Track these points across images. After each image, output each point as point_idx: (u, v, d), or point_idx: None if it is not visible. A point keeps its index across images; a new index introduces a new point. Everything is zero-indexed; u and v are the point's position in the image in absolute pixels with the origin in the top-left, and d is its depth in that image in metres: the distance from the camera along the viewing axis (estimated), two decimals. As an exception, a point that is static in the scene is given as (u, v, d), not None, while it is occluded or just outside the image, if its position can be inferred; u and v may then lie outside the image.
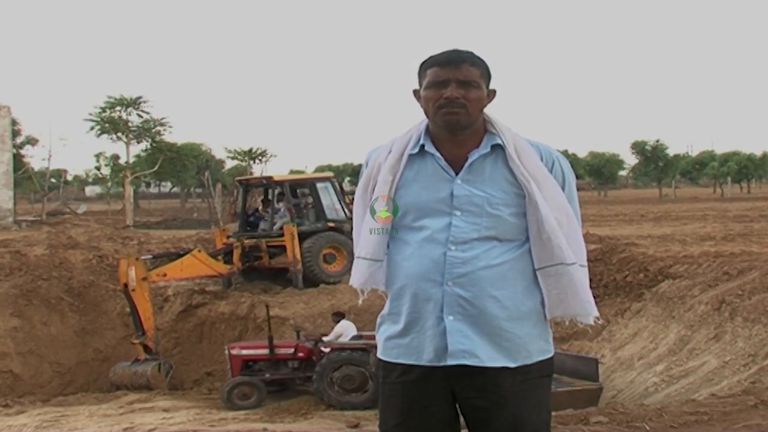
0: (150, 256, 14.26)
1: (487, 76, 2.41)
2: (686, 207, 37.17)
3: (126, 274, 12.72)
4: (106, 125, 34.95)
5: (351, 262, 2.64)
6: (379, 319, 2.53)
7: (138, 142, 36.76)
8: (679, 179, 68.67)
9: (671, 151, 60.56)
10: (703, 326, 10.20)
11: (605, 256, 13.89)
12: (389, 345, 2.46)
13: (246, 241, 15.55)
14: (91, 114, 35.02)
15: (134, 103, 35.14)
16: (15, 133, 35.09)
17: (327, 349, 11.34)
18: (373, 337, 11.08)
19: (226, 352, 11.98)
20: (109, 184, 46.56)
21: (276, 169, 70.22)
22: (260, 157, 59.59)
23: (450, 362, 2.34)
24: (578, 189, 2.59)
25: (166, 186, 68.85)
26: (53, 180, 52.25)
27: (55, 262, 15.72)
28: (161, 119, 36.27)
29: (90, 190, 75.61)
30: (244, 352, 11.89)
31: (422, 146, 2.42)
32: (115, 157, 44.54)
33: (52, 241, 17.14)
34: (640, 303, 12.06)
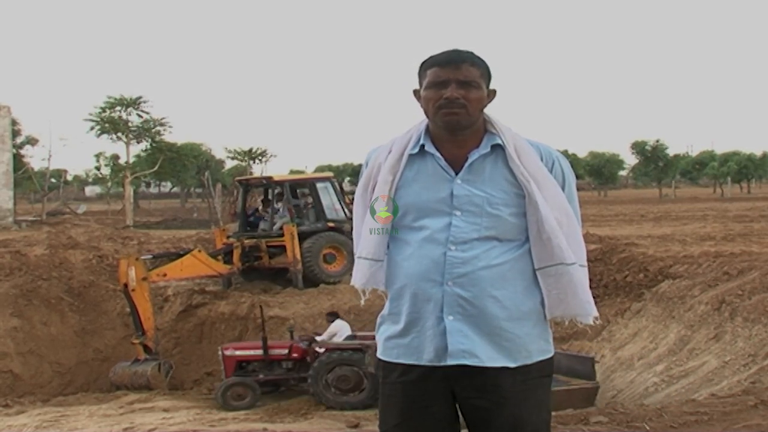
0: (150, 256, 14.26)
1: (487, 76, 2.41)
2: (686, 207, 37.17)
3: (126, 274, 12.72)
4: (106, 125, 34.95)
5: (351, 262, 2.65)
6: (379, 319, 2.53)
7: (138, 142, 36.79)
8: (679, 179, 68.68)
9: (671, 151, 60.62)
10: (703, 326, 10.20)
11: (605, 256, 13.89)
12: (389, 345, 2.46)
13: (246, 241, 15.55)
14: (91, 114, 35.08)
15: (134, 103, 35.15)
16: (15, 133, 35.09)
17: (321, 350, 11.34)
18: (368, 337, 11.17)
19: (220, 352, 11.98)
20: (109, 184, 46.56)
21: (276, 169, 70.32)
22: (260, 157, 59.63)
23: (450, 362, 2.35)
24: (578, 189, 2.59)
25: (166, 186, 68.85)
26: (53, 180, 52.26)
27: (55, 262, 15.73)
28: (161, 119, 36.32)
29: (90, 190, 75.61)
30: (238, 352, 11.90)
31: (422, 146, 2.42)
32: (115, 157, 44.53)
33: (52, 241, 17.14)
34: (640, 303, 12.06)
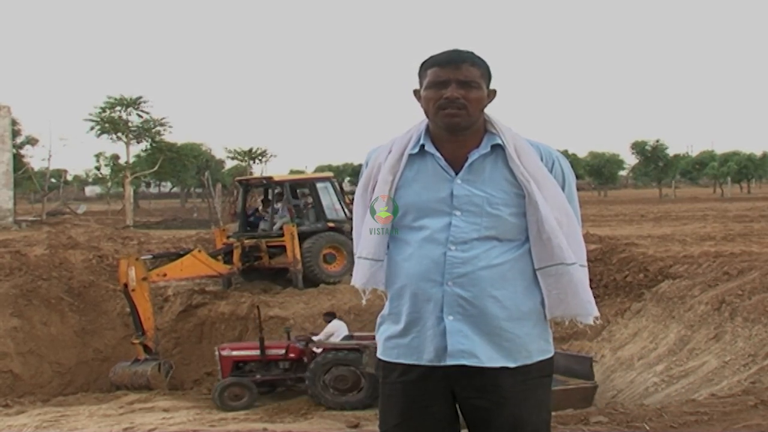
0: (150, 256, 14.27)
1: (487, 76, 2.41)
2: (686, 207, 37.16)
3: (126, 274, 12.72)
4: (106, 125, 34.94)
5: (351, 262, 2.65)
6: (379, 319, 2.53)
7: (138, 142, 36.78)
8: (679, 179, 68.66)
9: (671, 151, 60.59)
10: (703, 326, 10.20)
11: (605, 256, 13.89)
12: (389, 345, 2.46)
13: (246, 241, 15.55)
14: (91, 114, 35.07)
15: (134, 103, 35.14)
16: (15, 133, 35.08)
17: (318, 350, 11.35)
18: (365, 338, 11.19)
19: (216, 353, 11.98)
20: (109, 184, 46.54)
21: (276, 169, 70.29)
22: (260, 157, 59.61)
23: (449, 362, 2.35)
24: (578, 189, 2.59)
25: (166, 186, 68.83)
26: (53, 180, 52.24)
27: (55, 262, 15.73)
28: (161, 119, 36.31)
29: (90, 190, 75.59)
30: (235, 353, 11.90)
31: (422, 146, 2.42)
32: (115, 157, 44.50)
33: (52, 241, 17.14)
34: (640, 303, 12.06)
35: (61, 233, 18.92)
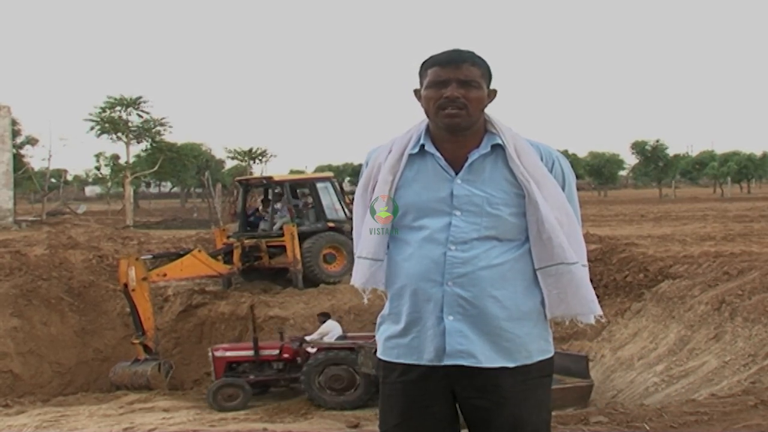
0: (150, 256, 14.27)
1: (487, 76, 2.41)
2: (686, 207, 37.16)
3: (126, 274, 12.73)
4: (106, 125, 34.94)
5: (351, 262, 2.65)
6: (379, 319, 2.53)
7: (138, 142, 36.78)
8: (679, 179, 68.64)
9: (671, 151, 60.55)
10: (703, 326, 10.20)
11: (605, 256, 13.89)
12: (389, 345, 2.46)
13: (246, 241, 15.55)
14: (91, 114, 35.07)
15: (134, 103, 35.14)
16: (15, 133, 35.07)
17: (312, 350, 11.37)
18: (359, 338, 11.22)
19: (210, 354, 11.99)
20: (109, 184, 46.53)
21: (276, 169, 70.25)
22: (260, 157, 59.61)
23: (447, 362, 2.35)
24: (578, 189, 2.59)
25: (166, 186, 68.82)
26: (53, 180, 52.22)
27: (55, 262, 15.73)
28: (161, 119, 36.31)
29: (90, 190, 75.56)
30: (229, 353, 11.92)
31: (422, 146, 2.42)
32: (115, 157, 44.50)
33: (52, 241, 17.14)
34: (640, 303, 12.06)
35: (61, 233, 18.93)
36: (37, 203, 46.91)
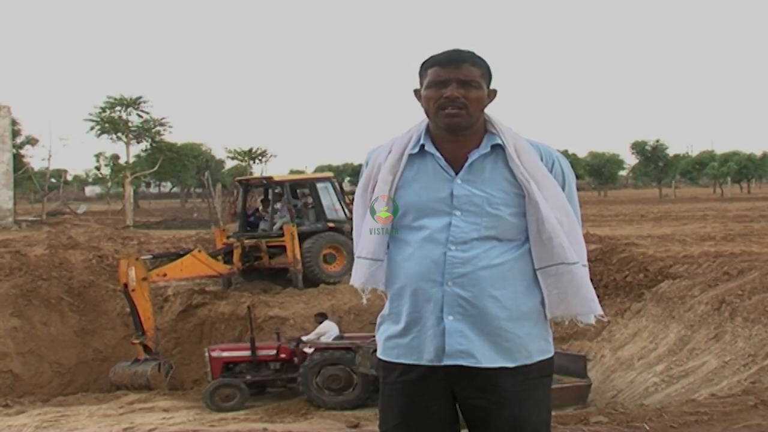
0: (150, 256, 14.27)
1: (487, 76, 2.41)
2: (686, 207, 37.16)
3: (126, 274, 12.73)
4: (106, 125, 34.95)
5: (351, 262, 2.65)
6: (379, 319, 2.53)
7: (138, 142, 36.77)
8: (679, 179, 68.65)
9: (671, 151, 60.57)
10: (703, 326, 10.20)
11: (605, 256, 13.89)
12: (389, 345, 2.46)
13: (246, 241, 15.56)
14: (91, 114, 35.06)
15: (134, 103, 35.15)
16: (15, 133, 35.07)
17: (310, 350, 11.39)
18: (356, 338, 11.23)
19: (206, 354, 11.99)
20: (109, 184, 46.53)
21: (276, 169, 70.25)
22: (260, 157, 59.60)
23: (446, 362, 2.35)
24: (578, 189, 2.59)
25: (166, 186, 68.83)
26: (53, 180, 52.23)
27: (55, 262, 15.73)
28: (161, 119, 36.30)
29: (90, 190, 75.57)
30: (225, 354, 11.92)
31: (422, 146, 2.42)
32: (115, 157, 44.49)
33: (52, 241, 17.15)
34: (640, 303, 12.06)
35: (61, 233, 18.93)
36: (37, 203, 46.92)
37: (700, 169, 65.22)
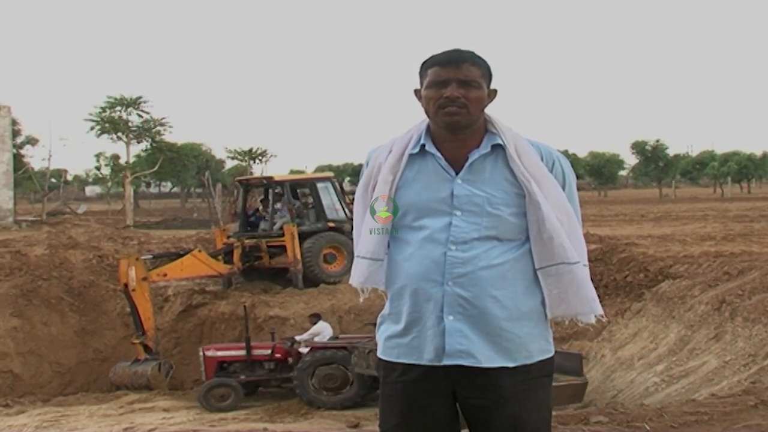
0: (150, 256, 14.28)
1: (488, 75, 2.41)
2: (686, 207, 37.17)
3: (126, 274, 12.74)
4: (106, 125, 34.97)
5: (351, 262, 2.64)
6: (379, 319, 2.53)
7: (138, 142, 36.80)
8: (679, 179, 68.68)
9: (671, 151, 60.64)
10: (703, 326, 10.21)
11: (605, 256, 13.90)
12: (389, 344, 2.46)
13: (246, 241, 15.56)
14: (91, 114, 35.10)
15: (134, 103, 35.17)
16: (15, 133, 35.09)
17: (305, 350, 11.41)
18: (352, 340, 11.25)
19: (201, 353, 11.99)
20: (109, 184, 46.57)
21: (276, 169, 70.19)
22: (260, 157, 59.63)
23: (446, 362, 2.35)
24: (578, 189, 2.59)
25: (166, 186, 68.86)
26: (53, 180, 52.25)
27: (55, 262, 15.74)
28: (161, 119, 36.34)
29: (90, 190, 75.58)
30: (220, 353, 11.93)
31: (423, 146, 2.42)
32: (115, 157, 44.48)
33: (52, 241, 17.15)
34: (640, 303, 12.07)
35: (61, 233, 18.94)
36: (37, 203, 46.94)
37: (700, 169, 65.26)
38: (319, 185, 16.22)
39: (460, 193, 2.37)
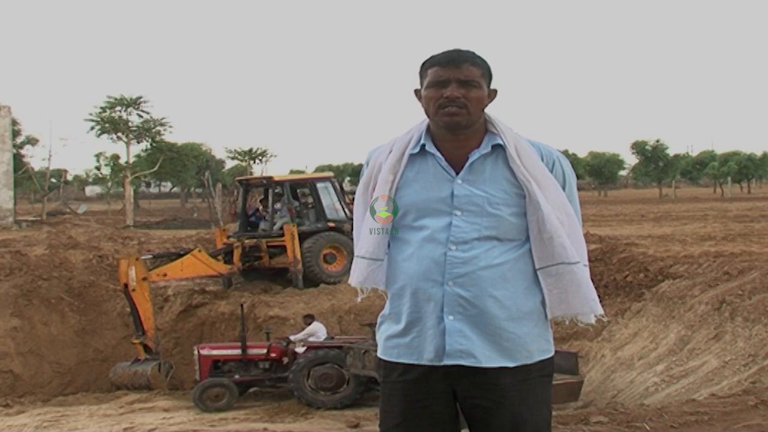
0: (150, 256, 14.28)
1: (488, 75, 2.41)
2: (686, 207, 37.17)
3: (126, 274, 12.74)
4: (106, 125, 34.99)
5: (351, 262, 2.64)
6: (379, 319, 2.54)
7: (138, 142, 36.83)
8: (679, 179, 68.67)
9: (671, 151, 60.65)
10: (703, 326, 10.21)
11: (605, 256, 13.90)
12: (390, 344, 2.46)
13: (246, 241, 15.57)
14: (91, 114, 35.14)
15: (134, 103, 35.18)
16: (15, 133, 35.09)
17: (301, 350, 11.42)
18: (346, 341, 11.27)
19: (195, 352, 11.99)
20: (109, 184, 46.56)
21: (276, 169, 70.20)
22: (260, 157, 59.65)
23: (446, 362, 2.35)
24: (578, 189, 2.59)
25: (166, 186, 68.85)
26: (53, 180, 52.20)
27: (55, 262, 15.74)
28: (161, 119, 36.37)
29: (90, 190, 75.54)
30: (215, 352, 11.93)
31: (423, 146, 2.43)
32: (115, 157, 44.50)
33: (52, 241, 17.16)
34: (641, 303, 12.07)
35: (61, 233, 18.94)
36: (38, 203, 46.91)
37: (700, 169, 65.27)
38: (319, 185, 16.22)
39: (460, 193, 2.37)
